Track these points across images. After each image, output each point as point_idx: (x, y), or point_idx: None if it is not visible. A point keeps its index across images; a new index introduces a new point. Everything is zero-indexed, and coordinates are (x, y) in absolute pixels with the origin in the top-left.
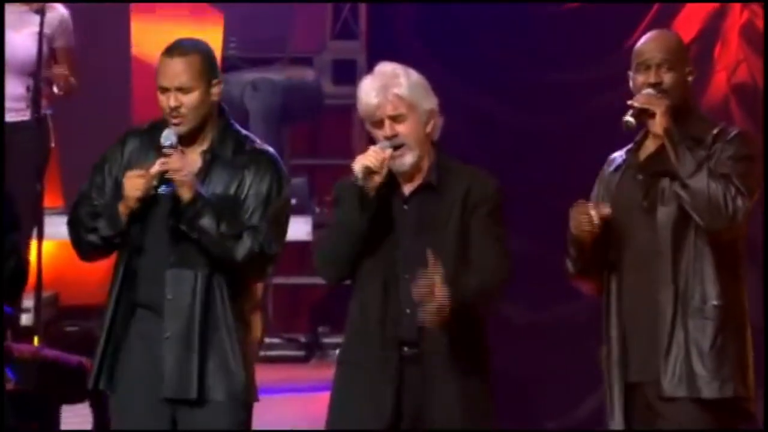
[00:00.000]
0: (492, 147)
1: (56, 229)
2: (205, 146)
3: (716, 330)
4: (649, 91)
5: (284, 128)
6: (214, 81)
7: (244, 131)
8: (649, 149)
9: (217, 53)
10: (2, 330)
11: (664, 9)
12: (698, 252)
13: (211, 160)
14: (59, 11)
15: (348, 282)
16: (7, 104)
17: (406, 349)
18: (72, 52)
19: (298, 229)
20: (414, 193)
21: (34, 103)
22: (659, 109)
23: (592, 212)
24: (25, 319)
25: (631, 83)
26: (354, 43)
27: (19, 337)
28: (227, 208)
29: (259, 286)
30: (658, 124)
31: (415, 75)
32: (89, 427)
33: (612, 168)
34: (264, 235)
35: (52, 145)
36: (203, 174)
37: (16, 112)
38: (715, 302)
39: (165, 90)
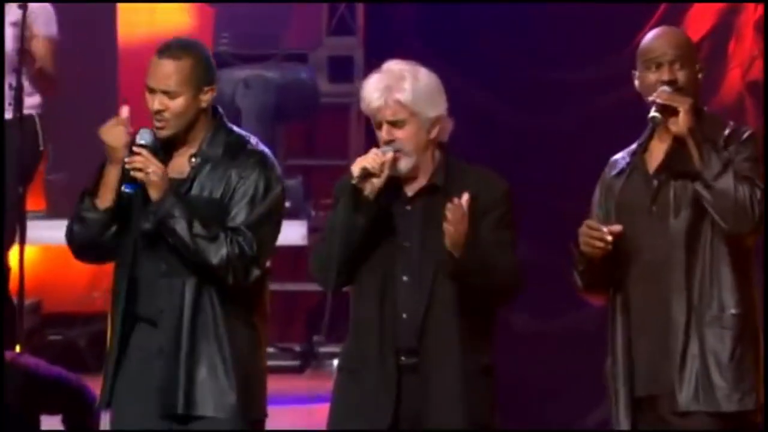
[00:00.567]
0: (492, 146)
1: (39, 233)
2: (193, 149)
3: (735, 340)
4: (666, 88)
5: (278, 128)
6: (206, 88)
7: (238, 131)
8: (656, 150)
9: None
10: (2, 333)
11: (672, 7)
12: (714, 258)
13: (199, 164)
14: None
15: (346, 289)
16: None
17: (403, 358)
18: (52, 43)
19: (293, 233)
20: (418, 194)
21: (17, 101)
22: (683, 107)
23: (605, 230)
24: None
25: (636, 83)
26: (351, 39)
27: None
28: (207, 210)
29: None
30: (681, 123)
31: (424, 78)
32: None
33: (615, 171)
34: (245, 237)
35: (41, 147)
36: (190, 178)
37: None
38: (733, 311)
39: (152, 91)
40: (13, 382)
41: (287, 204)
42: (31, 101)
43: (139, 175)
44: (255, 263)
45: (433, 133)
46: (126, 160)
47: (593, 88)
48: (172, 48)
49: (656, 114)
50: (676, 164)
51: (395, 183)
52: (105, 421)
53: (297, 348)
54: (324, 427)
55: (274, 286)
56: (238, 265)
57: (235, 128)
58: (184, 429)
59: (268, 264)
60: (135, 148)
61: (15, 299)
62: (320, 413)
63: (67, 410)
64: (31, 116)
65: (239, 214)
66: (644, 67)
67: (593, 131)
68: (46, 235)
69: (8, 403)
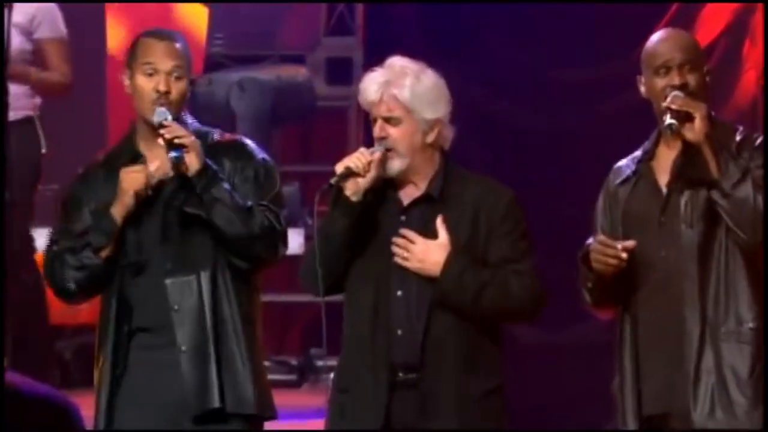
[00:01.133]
0: (493, 148)
1: None
2: None
3: (754, 354)
4: (678, 93)
5: (274, 132)
6: (192, 78)
7: (204, 126)
8: (664, 158)
9: (201, 50)
10: (2, 336)
11: (684, 7)
12: (728, 270)
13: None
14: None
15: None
16: None
17: (401, 374)
18: (61, 43)
19: (290, 241)
20: (413, 204)
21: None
22: (699, 113)
23: (619, 247)
24: None
25: (642, 89)
26: (350, 40)
27: None
28: None
29: None
30: (698, 129)
31: (428, 79)
32: None
33: (620, 179)
34: (271, 211)
35: (43, 150)
36: (179, 175)
37: None
38: (751, 324)
39: (154, 72)
40: None
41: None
42: (32, 102)
43: (185, 140)
44: (283, 239)
45: (431, 137)
46: (162, 131)
47: (600, 90)
48: (167, 31)
49: (673, 121)
50: (687, 172)
51: (390, 189)
52: None
53: (293, 361)
54: None
55: (269, 297)
56: (271, 239)
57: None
58: (206, 429)
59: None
60: (165, 122)
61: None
62: (318, 429)
63: (53, 431)
64: (31, 117)
65: (248, 196)
66: (652, 72)
67: (599, 134)
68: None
69: None
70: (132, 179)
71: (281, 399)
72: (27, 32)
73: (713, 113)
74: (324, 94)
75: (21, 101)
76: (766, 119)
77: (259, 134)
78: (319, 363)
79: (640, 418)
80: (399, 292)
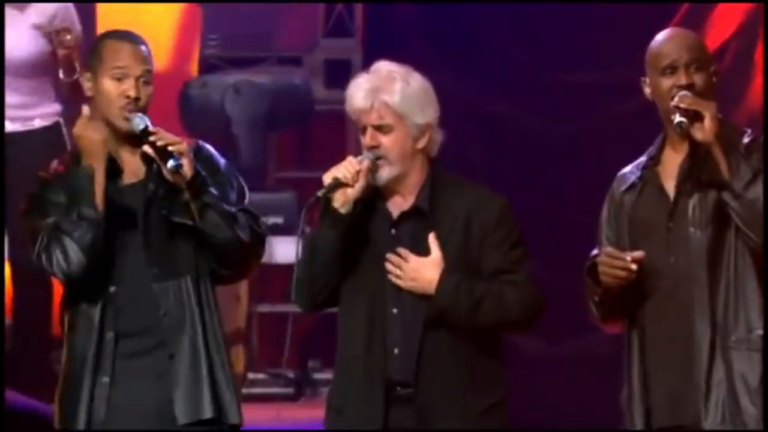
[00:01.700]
0: (499, 155)
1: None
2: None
3: (765, 362)
4: (686, 92)
5: (270, 137)
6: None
7: None
8: (670, 162)
9: (195, 52)
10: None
11: (695, 7)
12: (738, 275)
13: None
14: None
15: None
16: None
17: (399, 388)
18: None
19: (285, 250)
20: (403, 216)
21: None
22: (708, 112)
23: (628, 259)
24: None
25: (647, 90)
26: (349, 41)
27: None
28: None
29: (242, 315)
30: (707, 129)
31: (416, 82)
32: None
33: (625, 186)
34: (251, 216)
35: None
36: (152, 178)
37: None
38: (760, 331)
39: (124, 76)
40: None
41: (280, 220)
42: (55, 108)
43: (179, 147)
44: (263, 242)
45: (421, 143)
46: (152, 138)
47: (603, 93)
48: (130, 34)
49: (683, 119)
50: (697, 174)
51: (378, 199)
52: None
53: (290, 374)
54: None
55: (265, 308)
56: (256, 242)
57: None
58: None
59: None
60: (151, 128)
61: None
62: None
63: None
64: (57, 123)
65: (226, 200)
66: (657, 72)
67: (603, 138)
68: None
69: None
70: (96, 128)
71: (278, 413)
72: (47, 32)
73: (719, 114)
74: (322, 98)
75: (45, 107)
76: (766, 119)
77: (255, 139)
78: (317, 376)
79: (650, 431)
80: (394, 310)
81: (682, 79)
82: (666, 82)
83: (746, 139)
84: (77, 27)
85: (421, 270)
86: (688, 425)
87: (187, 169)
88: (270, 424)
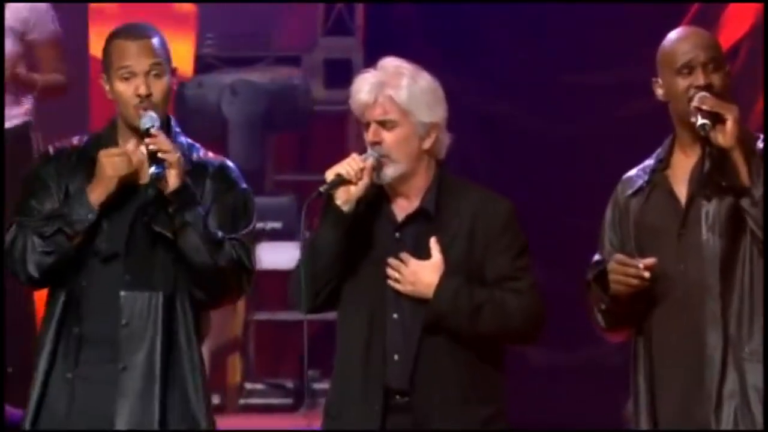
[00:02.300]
0: (499, 155)
1: None
2: None
3: (765, 363)
4: (706, 94)
5: (268, 139)
6: (173, 67)
7: (188, 139)
8: (681, 166)
9: (191, 52)
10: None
11: (705, 7)
12: (752, 284)
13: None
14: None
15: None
16: None
17: (398, 397)
18: (57, 43)
19: (284, 256)
20: (408, 219)
21: None
22: (732, 115)
23: (640, 266)
24: None
25: (660, 91)
26: (349, 40)
27: None
28: None
29: (238, 323)
30: (729, 133)
31: (424, 80)
32: None
33: (631, 190)
34: (243, 247)
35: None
36: (152, 184)
37: None
38: None
39: (131, 75)
40: None
41: (278, 225)
42: (25, 107)
43: (169, 156)
44: (250, 277)
45: (427, 143)
46: (147, 141)
47: (606, 93)
48: (139, 27)
49: (706, 121)
50: (714, 179)
51: (383, 201)
52: None
53: (289, 384)
54: None
55: (263, 316)
56: (237, 275)
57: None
58: None
59: None
60: (153, 131)
61: None
62: None
63: None
64: (28, 123)
65: (224, 226)
66: (673, 72)
67: (605, 139)
68: None
69: None
70: (115, 164)
71: (276, 424)
72: (20, 35)
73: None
74: (322, 98)
75: (14, 108)
76: (766, 119)
77: (252, 141)
78: (317, 386)
79: None
80: (395, 315)
81: (700, 79)
82: (682, 83)
83: (760, 144)
84: (55, 28)
85: (420, 274)
86: None
87: (171, 181)
88: None
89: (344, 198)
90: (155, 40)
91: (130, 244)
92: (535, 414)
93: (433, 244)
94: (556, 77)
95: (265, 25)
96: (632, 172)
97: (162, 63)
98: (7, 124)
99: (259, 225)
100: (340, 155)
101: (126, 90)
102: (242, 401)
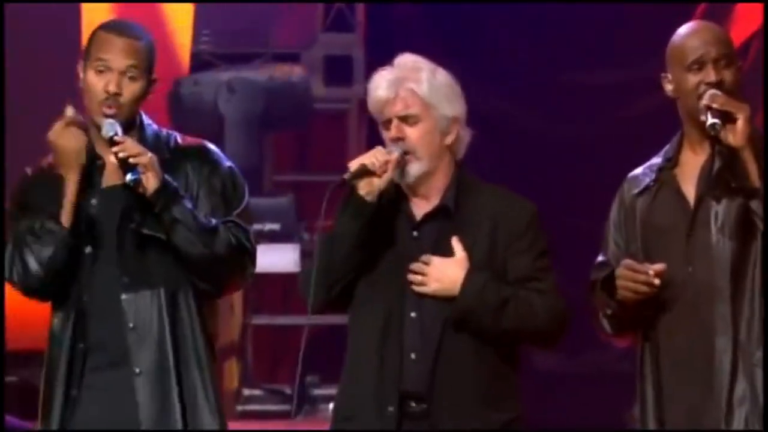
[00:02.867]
0: (499, 155)
1: None
2: None
3: (765, 365)
4: (716, 92)
5: (266, 138)
6: (153, 78)
7: (163, 129)
8: (689, 164)
9: (187, 48)
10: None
11: (712, 7)
12: (762, 289)
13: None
14: None
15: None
16: None
17: (413, 404)
18: None
19: (283, 258)
20: (427, 217)
21: None
22: (743, 114)
23: (650, 272)
24: None
25: (669, 87)
26: (349, 37)
27: None
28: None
29: (236, 327)
30: (740, 132)
31: (443, 75)
32: None
33: (637, 189)
34: (240, 228)
35: None
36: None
37: None
38: None
39: (106, 69)
40: None
41: (276, 226)
42: None
43: (142, 159)
44: (252, 258)
45: (449, 139)
46: (114, 149)
47: (608, 93)
48: (129, 27)
49: (717, 120)
50: (723, 179)
51: (401, 201)
52: None
53: (288, 390)
54: None
55: (261, 320)
56: (239, 258)
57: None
58: None
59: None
60: (116, 138)
61: None
62: None
63: None
64: None
65: (217, 211)
66: (682, 68)
67: (607, 139)
68: None
69: None
70: (73, 136)
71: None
72: None
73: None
74: (321, 96)
75: None
76: (766, 119)
77: (250, 140)
78: (316, 392)
79: None
80: (413, 314)
81: (711, 76)
82: (693, 79)
83: None
84: None
85: (445, 270)
86: None
87: (150, 183)
88: None
89: (367, 189)
90: (141, 44)
91: (121, 248)
92: (539, 417)
93: (456, 242)
94: (556, 77)
95: (263, 20)
96: (638, 170)
97: (140, 67)
98: None
99: (257, 226)
100: (341, 154)
101: (97, 83)
102: (239, 408)
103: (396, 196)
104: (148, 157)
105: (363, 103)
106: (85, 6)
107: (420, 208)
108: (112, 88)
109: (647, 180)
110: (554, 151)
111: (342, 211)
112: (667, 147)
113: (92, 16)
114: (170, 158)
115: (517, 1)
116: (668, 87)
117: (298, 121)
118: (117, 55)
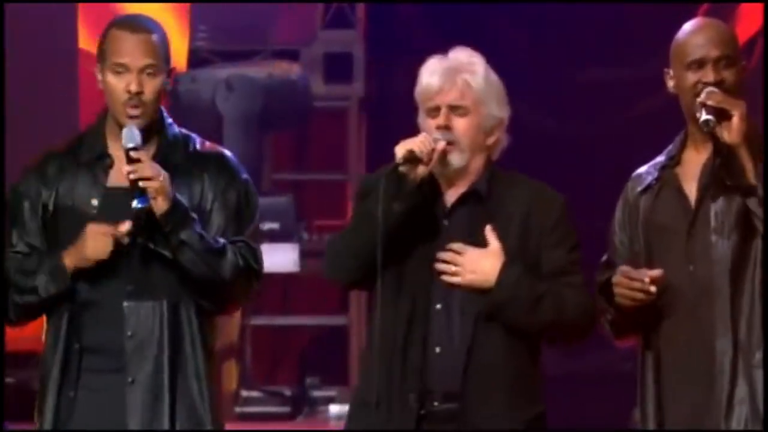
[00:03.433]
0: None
1: None
2: (152, 151)
3: (765, 366)
4: (714, 89)
5: (265, 136)
6: (171, 67)
7: (184, 130)
8: (691, 163)
9: (184, 45)
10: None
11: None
12: (762, 288)
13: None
14: None
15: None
16: None
17: (436, 403)
18: None
19: (283, 258)
20: (457, 203)
21: None
22: (738, 111)
23: (646, 279)
24: None
25: (671, 83)
26: (350, 33)
27: None
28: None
29: (234, 328)
30: (735, 130)
31: (495, 76)
32: None
33: (640, 188)
34: (248, 249)
35: None
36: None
37: None
38: None
39: (125, 70)
40: None
41: (275, 226)
42: None
43: (153, 185)
44: (258, 278)
45: (491, 140)
46: (127, 169)
47: (611, 93)
48: (141, 21)
49: (710, 117)
50: (721, 177)
51: (435, 189)
52: None
53: (287, 392)
54: None
55: (260, 321)
56: (244, 280)
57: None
58: None
59: None
60: (132, 154)
61: None
62: None
63: None
64: None
65: (228, 228)
66: (683, 66)
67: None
68: None
69: None
70: (98, 245)
71: None
72: None
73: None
74: (321, 94)
75: None
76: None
77: (249, 139)
78: (316, 393)
79: None
80: (438, 305)
81: (710, 76)
82: (691, 77)
83: None
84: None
85: (480, 261)
86: None
87: (159, 206)
88: None
89: (413, 176)
90: (155, 37)
91: (126, 255)
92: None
93: (489, 231)
94: (561, 76)
95: (262, 17)
96: (642, 168)
97: (158, 62)
98: None
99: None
100: (341, 153)
101: (117, 84)
102: (238, 409)
103: (429, 185)
104: (159, 181)
105: (363, 100)
106: (81, 6)
107: (452, 197)
108: (133, 88)
109: (650, 179)
110: (555, 151)
111: (377, 195)
112: (670, 146)
113: (89, 16)
114: (186, 163)
115: (517, 1)
116: (670, 83)
117: (298, 119)
118: (133, 54)
